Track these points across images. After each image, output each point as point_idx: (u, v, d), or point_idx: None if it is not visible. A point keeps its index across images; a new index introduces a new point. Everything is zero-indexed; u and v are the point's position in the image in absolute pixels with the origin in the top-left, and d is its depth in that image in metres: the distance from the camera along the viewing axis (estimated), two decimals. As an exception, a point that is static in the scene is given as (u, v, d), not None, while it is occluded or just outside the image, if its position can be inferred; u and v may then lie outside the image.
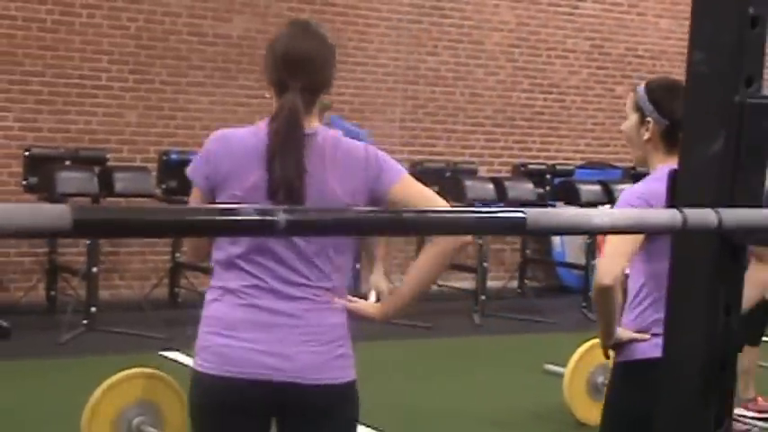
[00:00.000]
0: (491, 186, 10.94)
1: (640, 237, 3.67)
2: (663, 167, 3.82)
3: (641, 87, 3.85)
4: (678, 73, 14.12)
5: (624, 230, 1.28)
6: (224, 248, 3.17)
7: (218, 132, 3.21)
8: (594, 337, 4.81)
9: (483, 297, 10.73)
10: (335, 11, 12.10)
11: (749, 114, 1.48)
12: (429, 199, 3.15)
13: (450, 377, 8.19)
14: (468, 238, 3.30)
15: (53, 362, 8.02)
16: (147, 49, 11.14)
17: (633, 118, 3.84)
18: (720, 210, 1.34)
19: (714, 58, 1.50)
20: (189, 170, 3.22)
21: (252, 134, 3.14)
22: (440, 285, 11.80)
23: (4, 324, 8.63)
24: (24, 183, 9.63)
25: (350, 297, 3.27)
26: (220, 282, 3.18)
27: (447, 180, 11.16)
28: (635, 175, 12.55)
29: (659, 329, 3.74)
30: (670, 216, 1.30)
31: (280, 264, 3.11)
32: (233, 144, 3.15)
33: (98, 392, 5.29)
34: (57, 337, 8.59)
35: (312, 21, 3.37)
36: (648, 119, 3.79)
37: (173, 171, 9.96)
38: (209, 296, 3.21)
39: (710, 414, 1.50)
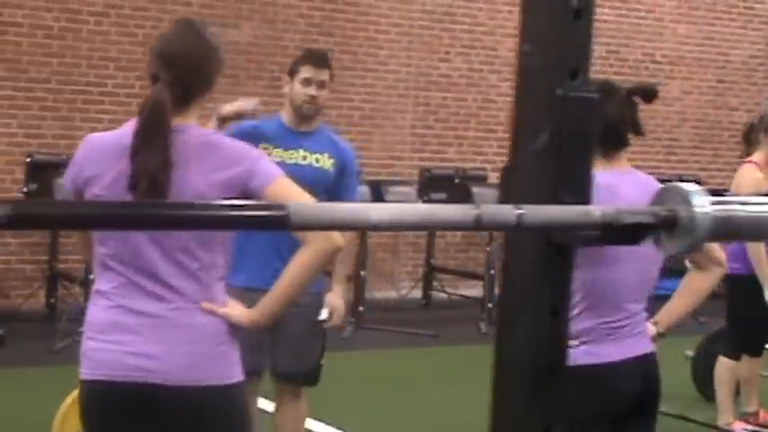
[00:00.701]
0: (496, 193, 10.83)
1: None
2: (599, 174, 3.70)
3: None
4: (699, 79, 14.00)
5: (410, 227, 1.19)
6: (97, 250, 3.16)
7: (86, 137, 3.26)
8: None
9: (490, 305, 10.62)
10: (345, 17, 12.03)
11: (572, 108, 1.39)
12: (303, 197, 3.15)
13: (455, 386, 8.07)
14: (340, 242, 3.22)
15: (47, 370, 7.98)
16: (154, 55, 11.10)
17: None
18: (523, 206, 1.25)
19: (540, 51, 1.42)
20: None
21: (118, 133, 3.17)
22: (447, 293, 11.71)
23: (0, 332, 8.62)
24: (25, 190, 9.62)
25: (227, 299, 3.22)
26: (96, 284, 3.19)
27: (455, 187, 11.07)
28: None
29: (590, 337, 3.70)
30: (462, 212, 1.21)
31: (146, 263, 3.08)
32: (95, 146, 3.19)
33: (68, 400, 5.23)
34: (52, 344, 8.55)
35: (198, 21, 3.40)
36: None
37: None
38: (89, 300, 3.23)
39: (538, 421, 1.41)
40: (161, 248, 3.06)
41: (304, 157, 5.23)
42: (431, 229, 1.32)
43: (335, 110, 11.29)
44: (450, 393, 7.88)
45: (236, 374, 3.19)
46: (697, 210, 1.38)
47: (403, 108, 12.40)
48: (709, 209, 1.39)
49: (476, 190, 10.80)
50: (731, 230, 1.42)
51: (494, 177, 12.17)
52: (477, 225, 1.21)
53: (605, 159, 3.72)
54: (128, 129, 3.13)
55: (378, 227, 1.17)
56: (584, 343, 3.64)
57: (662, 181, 9.75)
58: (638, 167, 12.44)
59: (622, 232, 1.34)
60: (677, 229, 1.39)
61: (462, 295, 11.60)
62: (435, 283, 11.87)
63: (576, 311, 3.68)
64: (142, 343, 3.05)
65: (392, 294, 11.46)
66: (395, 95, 12.32)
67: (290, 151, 5.23)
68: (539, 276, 1.39)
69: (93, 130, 10.84)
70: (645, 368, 3.78)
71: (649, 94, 3.79)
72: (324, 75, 5.30)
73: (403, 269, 12.04)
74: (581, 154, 1.41)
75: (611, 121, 3.67)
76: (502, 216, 1.23)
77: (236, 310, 3.21)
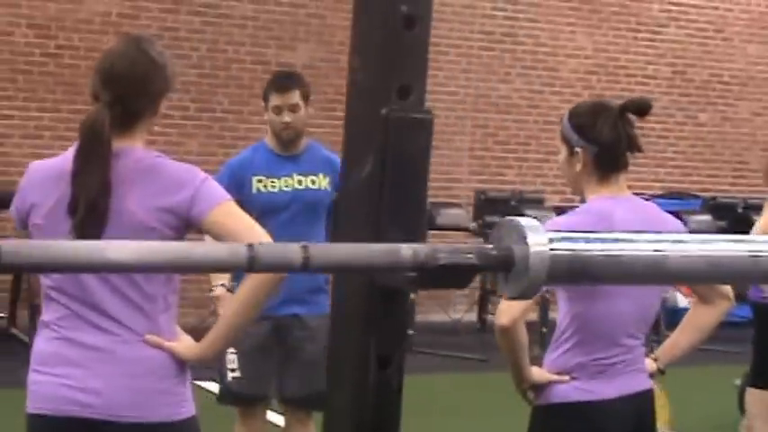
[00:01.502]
0: (552, 216, 10.62)
1: None
2: (593, 200, 3.53)
3: (565, 117, 3.56)
4: (768, 100, 13.62)
5: (161, 268, 1.05)
6: (42, 281, 3.04)
7: (30, 164, 3.12)
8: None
9: (544, 329, 10.38)
10: (403, 38, 11.92)
11: (400, 131, 1.24)
12: (247, 229, 2.91)
13: (503, 414, 7.85)
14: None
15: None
16: (208, 77, 11.12)
17: (563, 151, 3.56)
18: (311, 246, 1.12)
19: (368, 65, 1.27)
20: None
21: (61, 159, 3.02)
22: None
23: None
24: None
25: (177, 331, 3.04)
26: (42, 315, 3.05)
27: (511, 209, 10.88)
28: (715, 206, 12.12)
29: (582, 373, 3.47)
30: (230, 252, 1.07)
31: (90, 295, 2.92)
32: (37, 173, 3.06)
33: None
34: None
35: (145, 36, 3.27)
36: (577, 149, 3.49)
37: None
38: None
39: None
40: (104, 280, 2.92)
41: (299, 182, 5.12)
42: (188, 271, 1.18)
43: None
44: (496, 421, 7.68)
45: (185, 410, 2.99)
46: (532, 249, 1.23)
47: (461, 130, 12.25)
48: (547, 247, 1.24)
49: (529, 213, 10.59)
50: (576, 272, 1.25)
51: (556, 200, 11.96)
52: (251, 267, 1.08)
53: (600, 183, 3.49)
54: (70, 153, 2.97)
55: (119, 267, 1.03)
56: (575, 379, 3.45)
57: (731, 206, 9.31)
58: (706, 191, 12.14)
59: (443, 274, 1.19)
60: (514, 271, 1.24)
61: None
62: (491, 307, 11.67)
63: (567, 346, 3.48)
64: (85, 377, 2.89)
65: (446, 318, 11.28)
66: (453, 117, 12.17)
67: (284, 178, 5.11)
68: (363, 323, 1.25)
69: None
70: (639, 405, 3.55)
71: (642, 108, 3.55)
72: (292, 98, 5.10)
73: (458, 291, 11.87)
74: (412, 183, 1.26)
75: (604, 143, 3.45)
76: (284, 257, 1.09)
77: (182, 344, 3.01)
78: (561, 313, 3.53)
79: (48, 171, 3.02)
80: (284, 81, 5.24)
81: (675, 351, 3.74)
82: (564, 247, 1.25)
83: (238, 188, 5.00)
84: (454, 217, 10.50)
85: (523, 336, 3.39)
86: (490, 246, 1.24)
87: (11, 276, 9.83)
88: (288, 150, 5.14)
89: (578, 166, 3.48)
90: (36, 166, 3.08)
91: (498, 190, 11.79)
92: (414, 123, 1.25)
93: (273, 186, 5.07)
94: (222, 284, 4.92)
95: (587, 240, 1.27)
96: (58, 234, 2.90)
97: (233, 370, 5.08)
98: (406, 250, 1.17)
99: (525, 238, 1.23)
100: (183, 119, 10.96)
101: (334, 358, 1.33)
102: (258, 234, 2.90)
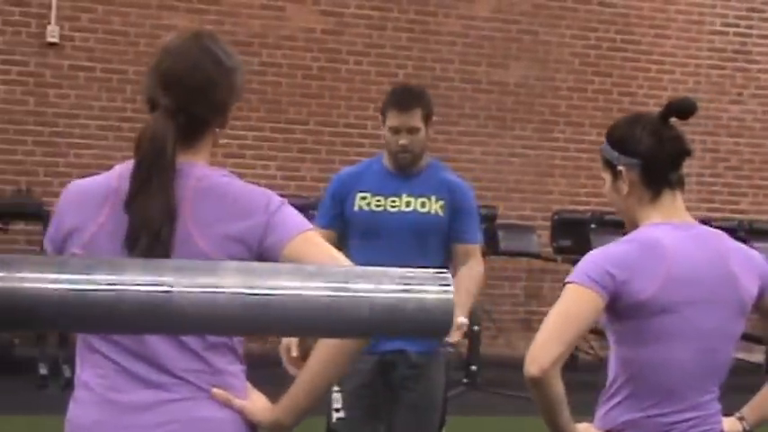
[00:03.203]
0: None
1: (586, 314, 2.78)
2: (643, 226, 2.94)
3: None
4: None
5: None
6: None
7: (69, 184, 2.60)
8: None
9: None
10: (624, 56, 11.23)
11: None
12: (333, 258, 2.42)
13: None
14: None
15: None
16: (416, 96, 10.71)
17: (607, 179, 3.00)
18: None
19: None
20: None
21: (107, 176, 2.51)
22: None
23: None
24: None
25: (247, 387, 2.49)
26: (78, 372, 2.50)
27: (738, 240, 9.99)
28: None
29: None
30: None
31: (139, 342, 2.40)
32: (77, 194, 2.52)
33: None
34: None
35: (210, 33, 2.68)
36: (619, 168, 2.94)
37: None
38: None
39: None
40: None
41: (408, 203, 4.58)
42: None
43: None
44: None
45: None
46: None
47: (687, 154, 11.42)
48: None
49: (757, 245, 9.68)
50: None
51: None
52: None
53: (651, 205, 2.94)
54: (117, 171, 2.50)
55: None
56: None
57: None
58: None
59: None
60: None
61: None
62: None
63: (617, 399, 2.89)
64: None
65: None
66: (678, 140, 11.36)
67: (392, 198, 4.58)
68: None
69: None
70: None
71: (686, 109, 2.96)
72: (413, 119, 4.52)
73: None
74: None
75: (647, 153, 2.91)
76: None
77: (257, 404, 2.49)
78: (612, 359, 2.94)
79: (89, 191, 2.52)
80: (405, 99, 4.61)
81: (765, 412, 3.08)
82: None
83: (341, 203, 4.61)
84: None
85: (557, 387, 2.78)
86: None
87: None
88: (402, 169, 4.61)
89: (625, 189, 2.94)
90: (76, 183, 2.58)
91: (726, 219, 10.88)
92: None
93: (378, 205, 4.57)
94: None
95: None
96: None
97: (338, 410, 4.59)
98: None
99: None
100: (389, 139, 10.60)
101: None
102: (337, 262, 2.42)
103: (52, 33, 9.76)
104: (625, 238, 2.94)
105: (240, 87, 2.59)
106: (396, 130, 4.52)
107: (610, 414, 2.90)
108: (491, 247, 9.54)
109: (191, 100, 2.47)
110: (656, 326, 2.82)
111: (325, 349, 2.40)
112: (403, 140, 4.50)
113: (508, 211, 10.71)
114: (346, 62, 10.50)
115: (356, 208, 4.59)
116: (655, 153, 2.89)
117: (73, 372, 2.56)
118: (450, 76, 10.81)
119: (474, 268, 4.62)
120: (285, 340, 4.51)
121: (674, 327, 2.83)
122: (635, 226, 2.95)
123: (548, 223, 10.53)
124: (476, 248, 4.68)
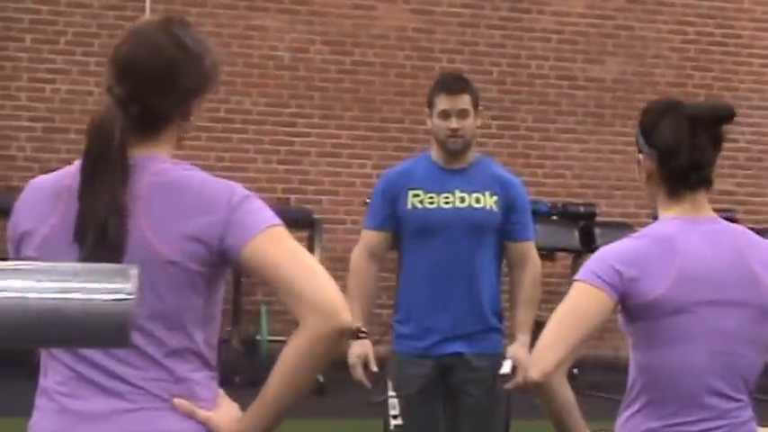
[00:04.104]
0: None
1: (594, 314, 2.63)
2: (660, 220, 2.79)
3: None
4: None
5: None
6: None
7: (30, 181, 2.43)
8: None
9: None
10: (725, 50, 10.98)
11: None
12: (298, 257, 2.21)
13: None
14: (348, 320, 2.18)
15: (361, 423, 7.52)
16: (511, 94, 10.61)
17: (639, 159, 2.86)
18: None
19: None
20: None
21: (62, 173, 2.35)
22: None
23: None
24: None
25: (217, 395, 2.32)
26: (41, 378, 2.35)
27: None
28: None
29: None
30: None
31: (98, 350, 2.23)
32: (32, 192, 2.36)
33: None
34: (370, 396, 8.07)
35: (181, 19, 2.46)
36: (639, 155, 2.81)
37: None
38: None
39: None
40: None
41: (462, 199, 4.47)
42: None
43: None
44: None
45: None
46: None
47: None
48: None
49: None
50: None
51: None
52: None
53: (670, 199, 2.78)
54: (73, 167, 2.33)
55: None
56: None
57: None
58: None
59: None
60: None
61: None
62: None
63: (636, 407, 2.73)
64: None
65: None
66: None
67: (445, 194, 4.47)
68: None
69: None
70: None
71: (719, 114, 2.72)
72: (462, 102, 4.44)
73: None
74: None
75: (663, 148, 2.73)
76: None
77: (224, 415, 2.29)
78: (630, 368, 2.78)
79: (43, 189, 2.35)
80: (454, 83, 4.56)
81: None
82: None
83: (392, 202, 4.51)
84: None
85: (563, 391, 2.66)
86: None
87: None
88: (453, 163, 4.50)
89: (643, 176, 2.80)
90: (31, 184, 2.41)
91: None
92: None
93: (432, 202, 4.47)
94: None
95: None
96: None
97: (395, 417, 4.46)
98: None
99: None
100: (485, 137, 10.46)
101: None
102: (302, 261, 2.22)
103: (147, 36, 9.86)
104: (638, 233, 2.81)
105: (212, 76, 2.38)
106: (446, 115, 4.45)
107: (630, 422, 2.74)
108: (585, 245, 9.40)
109: (147, 89, 2.29)
110: (667, 327, 2.66)
111: (292, 354, 2.21)
112: (454, 124, 4.42)
113: (610, 209, 10.52)
114: (439, 60, 10.43)
115: (409, 206, 4.50)
116: (669, 151, 2.73)
117: None
118: (546, 73, 10.67)
119: (531, 271, 4.53)
120: (360, 351, 4.45)
121: (687, 328, 2.66)
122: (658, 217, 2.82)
123: (651, 221, 10.30)
124: (531, 245, 4.58)
